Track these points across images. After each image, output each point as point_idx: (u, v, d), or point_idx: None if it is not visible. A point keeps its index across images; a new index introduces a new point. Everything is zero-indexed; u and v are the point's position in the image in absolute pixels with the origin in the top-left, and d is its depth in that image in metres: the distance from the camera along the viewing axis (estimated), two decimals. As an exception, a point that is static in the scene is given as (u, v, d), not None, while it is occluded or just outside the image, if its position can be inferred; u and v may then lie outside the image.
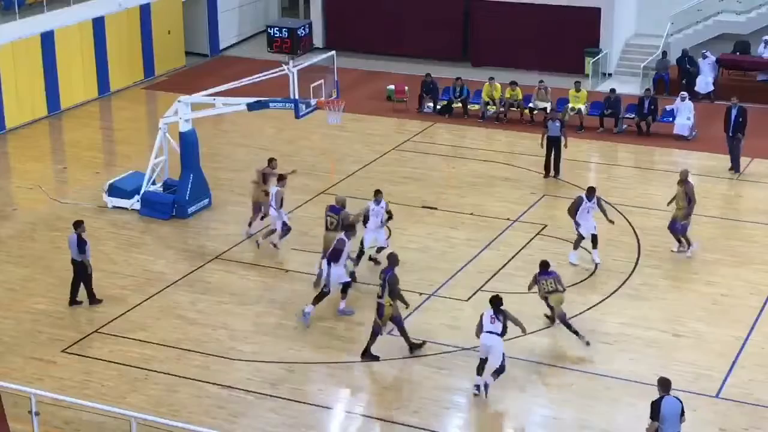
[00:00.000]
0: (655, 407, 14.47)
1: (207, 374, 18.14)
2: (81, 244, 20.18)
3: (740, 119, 26.98)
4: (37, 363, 18.51)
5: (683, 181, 22.36)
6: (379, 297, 18.39)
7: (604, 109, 30.16)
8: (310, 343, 19.10)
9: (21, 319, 20.06)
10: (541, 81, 31.32)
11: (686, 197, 22.11)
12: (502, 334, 17.37)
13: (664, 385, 14.66)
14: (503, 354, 17.32)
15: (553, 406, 17.29)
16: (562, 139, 26.36)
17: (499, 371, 17.37)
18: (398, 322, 18.58)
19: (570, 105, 30.26)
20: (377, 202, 21.42)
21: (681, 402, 14.66)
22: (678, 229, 22.30)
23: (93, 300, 20.52)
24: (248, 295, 20.98)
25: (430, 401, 17.35)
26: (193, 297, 20.85)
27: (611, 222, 21.97)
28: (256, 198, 23.44)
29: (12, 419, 15.74)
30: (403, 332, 18.62)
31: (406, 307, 18.88)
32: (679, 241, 22.39)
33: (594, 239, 21.80)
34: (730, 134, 27.04)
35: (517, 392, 17.75)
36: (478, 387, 17.41)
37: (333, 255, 19.78)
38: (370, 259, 21.85)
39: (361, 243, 21.45)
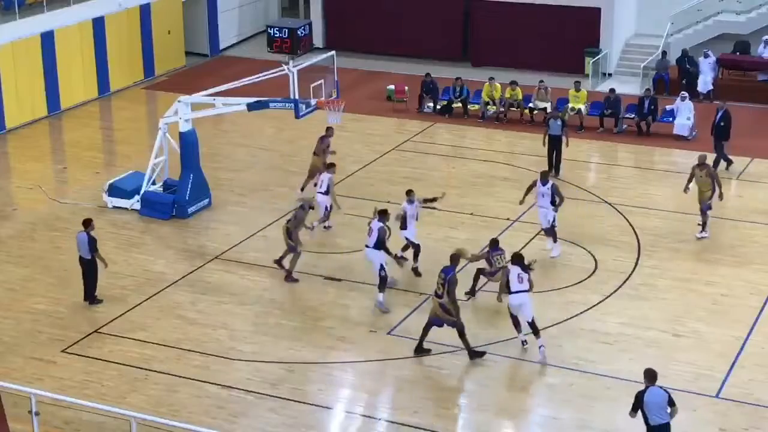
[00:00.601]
0: (638, 398, 14.66)
1: (207, 374, 18.14)
2: (92, 243, 20.23)
3: (722, 123, 26.97)
4: (37, 363, 18.51)
5: (702, 165, 22.96)
6: (439, 296, 18.12)
7: (604, 109, 30.16)
8: (309, 343, 19.10)
9: (21, 319, 20.06)
10: (541, 81, 31.33)
11: (711, 180, 22.80)
12: (530, 290, 18.24)
13: (650, 376, 14.78)
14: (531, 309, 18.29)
15: (553, 406, 17.29)
16: (563, 138, 26.37)
17: (535, 328, 18.25)
18: (435, 323, 18.34)
19: (570, 105, 30.26)
20: (410, 201, 21.44)
21: (667, 392, 14.74)
22: (704, 209, 23.00)
23: (93, 300, 20.53)
24: (248, 295, 20.98)
25: (431, 401, 17.35)
26: (193, 297, 20.85)
27: (555, 211, 22.12)
28: (314, 165, 24.56)
29: (12, 419, 15.74)
30: (426, 333, 18.52)
31: (457, 315, 18.37)
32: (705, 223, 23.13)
33: (549, 231, 22.22)
34: (712, 136, 27.21)
35: (516, 392, 17.75)
36: (524, 342, 18.55)
37: (378, 244, 20.11)
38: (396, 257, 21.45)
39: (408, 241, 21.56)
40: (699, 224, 23.14)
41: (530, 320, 18.35)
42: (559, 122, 26.49)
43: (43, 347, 19.02)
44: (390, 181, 25.39)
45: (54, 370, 18.26)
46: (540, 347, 18.25)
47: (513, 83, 31.00)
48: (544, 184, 21.97)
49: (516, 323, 18.54)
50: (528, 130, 29.80)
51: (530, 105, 30.87)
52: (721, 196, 23.01)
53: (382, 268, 20.17)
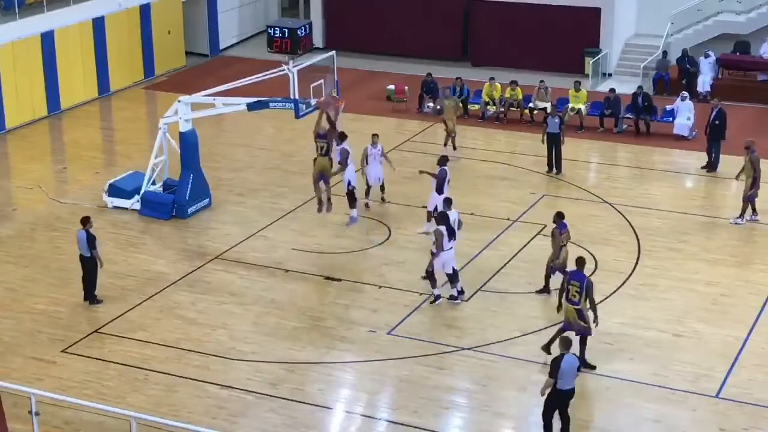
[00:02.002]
0: (555, 364, 15.68)
1: (207, 374, 18.13)
2: (90, 240, 20.24)
3: (716, 122, 27.00)
4: (37, 363, 18.51)
5: (748, 149, 23.52)
6: (576, 303, 17.70)
7: (604, 109, 30.15)
8: (309, 343, 19.10)
9: (21, 319, 20.06)
10: (542, 81, 31.32)
11: (752, 166, 23.23)
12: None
13: (565, 343, 15.84)
14: None
15: (553, 406, 17.27)
16: (562, 135, 26.41)
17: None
18: (568, 329, 17.80)
19: (570, 105, 30.26)
20: (373, 144, 23.90)
21: (578, 360, 16.14)
22: (749, 198, 23.37)
23: (93, 300, 20.53)
24: (248, 295, 20.97)
25: (430, 401, 17.34)
26: (193, 297, 20.85)
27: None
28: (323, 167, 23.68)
29: (12, 419, 15.76)
30: (556, 338, 17.93)
31: (596, 323, 18.05)
32: (754, 211, 23.59)
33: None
34: (706, 134, 27.23)
35: (517, 392, 17.74)
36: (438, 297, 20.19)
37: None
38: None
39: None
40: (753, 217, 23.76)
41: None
42: (557, 120, 26.54)
43: (43, 347, 19.02)
44: (390, 181, 25.36)
45: (54, 370, 18.26)
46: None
47: (513, 83, 30.99)
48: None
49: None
50: (528, 130, 29.79)
51: (530, 105, 30.87)
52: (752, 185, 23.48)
53: (349, 183, 23.01)
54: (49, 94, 31.80)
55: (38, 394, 15.59)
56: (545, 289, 20.49)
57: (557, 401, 15.86)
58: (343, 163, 23.46)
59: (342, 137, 23.79)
